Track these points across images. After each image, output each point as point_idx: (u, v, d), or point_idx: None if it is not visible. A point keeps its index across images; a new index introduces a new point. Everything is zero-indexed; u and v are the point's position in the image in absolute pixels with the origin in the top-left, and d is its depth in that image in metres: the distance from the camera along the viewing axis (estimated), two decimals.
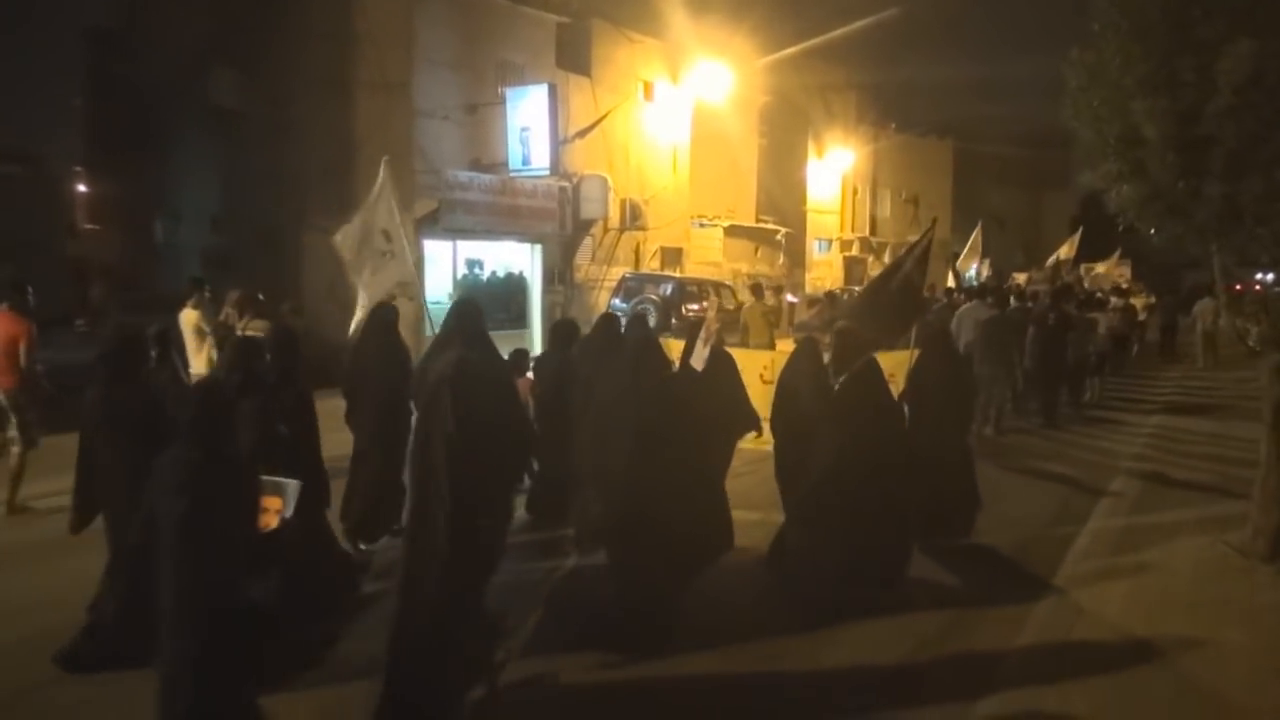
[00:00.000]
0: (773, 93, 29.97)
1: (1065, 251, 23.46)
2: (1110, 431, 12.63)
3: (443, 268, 18.59)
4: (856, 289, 32.15)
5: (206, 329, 9.39)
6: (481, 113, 18.84)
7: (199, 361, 9.29)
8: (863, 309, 7.48)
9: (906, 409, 7.32)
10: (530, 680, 4.85)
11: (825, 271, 36.62)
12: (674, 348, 7.64)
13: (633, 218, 22.83)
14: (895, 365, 7.66)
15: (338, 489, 6.33)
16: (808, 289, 33.36)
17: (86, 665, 4.79)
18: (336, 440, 6.74)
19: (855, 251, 39.37)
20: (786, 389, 6.87)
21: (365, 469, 6.88)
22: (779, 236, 31.91)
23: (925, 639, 5.59)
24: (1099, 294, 19.61)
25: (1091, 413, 13.85)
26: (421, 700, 4.10)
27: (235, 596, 3.55)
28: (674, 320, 17.77)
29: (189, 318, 9.50)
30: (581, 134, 21.48)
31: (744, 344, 12.83)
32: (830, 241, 37.39)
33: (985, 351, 11.47)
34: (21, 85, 79.22)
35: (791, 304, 24.91)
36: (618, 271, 22.16)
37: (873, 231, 40.79)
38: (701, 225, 27.04)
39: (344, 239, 8.02)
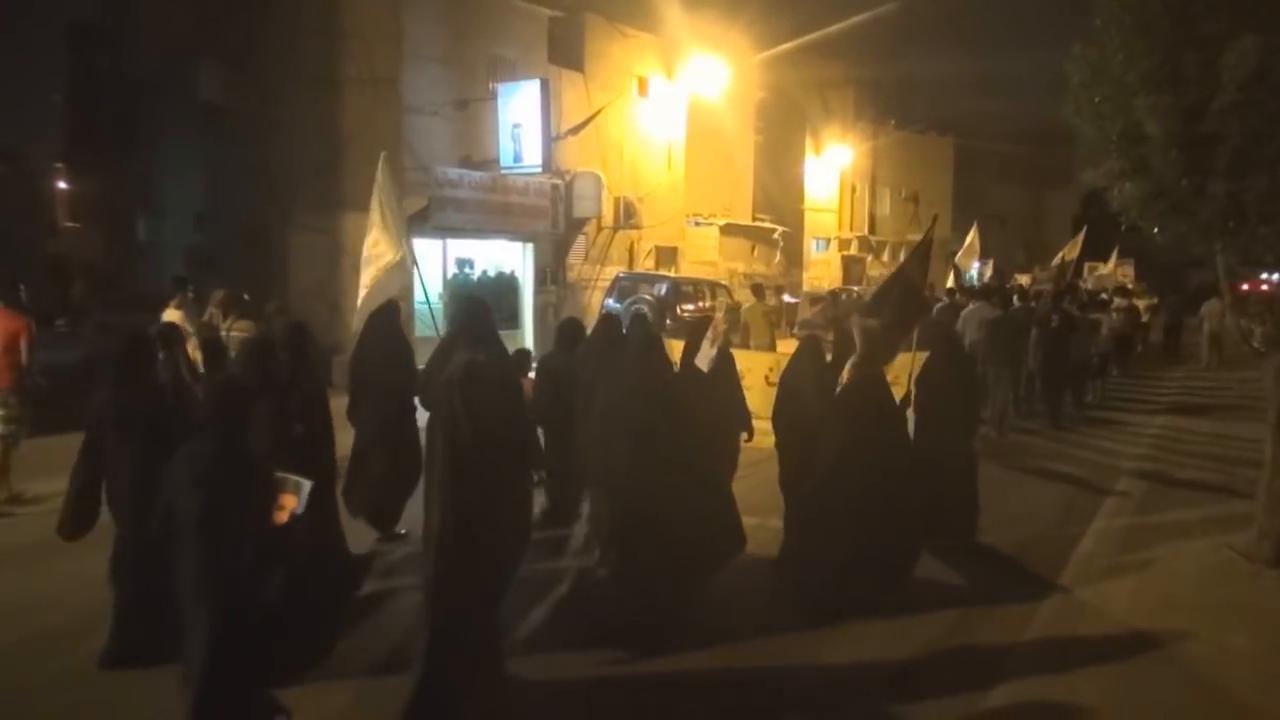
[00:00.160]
0: (769, 89, 30.01)
1: (1069, 253, 23.52)
2: (1114, 432, 12.72)
3: (432, 267, 18.55)
4: (856, 289, 32.27)
5: (190, 330, 9.34)
6: (472, 109, 18.82)
7: None
8: (874, 309, 7.50)
9: (911, 411, 7.33)
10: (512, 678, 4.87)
11: (823, 271, 36.67)
12: (673, 348, 7.68)
13: (627, 216, 22.83)
14: (899, 367, 7.71)
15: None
16: (805, 289, 33.41)
17: (118, 661, 4.91)
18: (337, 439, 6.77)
19: (854, 251, 39.44)
20: (789, 389, 6.93)
21: (366, 467, 6.95)
22: (776, 235, 31.94)
23: (932, 635, 5.69)
24: (1103, 294, 19.66)
25: (1095, 413, 13.93)
26: (452, 700, 4.18)
27: (250, 591, 3.64)
28: (669, 321, 17.77)
29: (171, 318, 9.47)
30: (574, 130, 21.47)
31: (744, 344, 12.87)
32: (828, 240, 37.44)
33: (990, 352, 11.56)
34: (1, 80, 79.03)
35: (790, 304, 24.94)
36: (611, 271, 22.15)
37: (871, 230, 40.85)
38: (697, 224, 27.05)
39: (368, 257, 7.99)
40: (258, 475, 3.72)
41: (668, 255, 25.28)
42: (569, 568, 6.52)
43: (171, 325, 6.85)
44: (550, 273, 21.24)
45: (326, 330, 15.12)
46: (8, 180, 29.23)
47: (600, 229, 22.66)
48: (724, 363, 6.95)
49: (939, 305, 13.18)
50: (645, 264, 24.05)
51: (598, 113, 22.15)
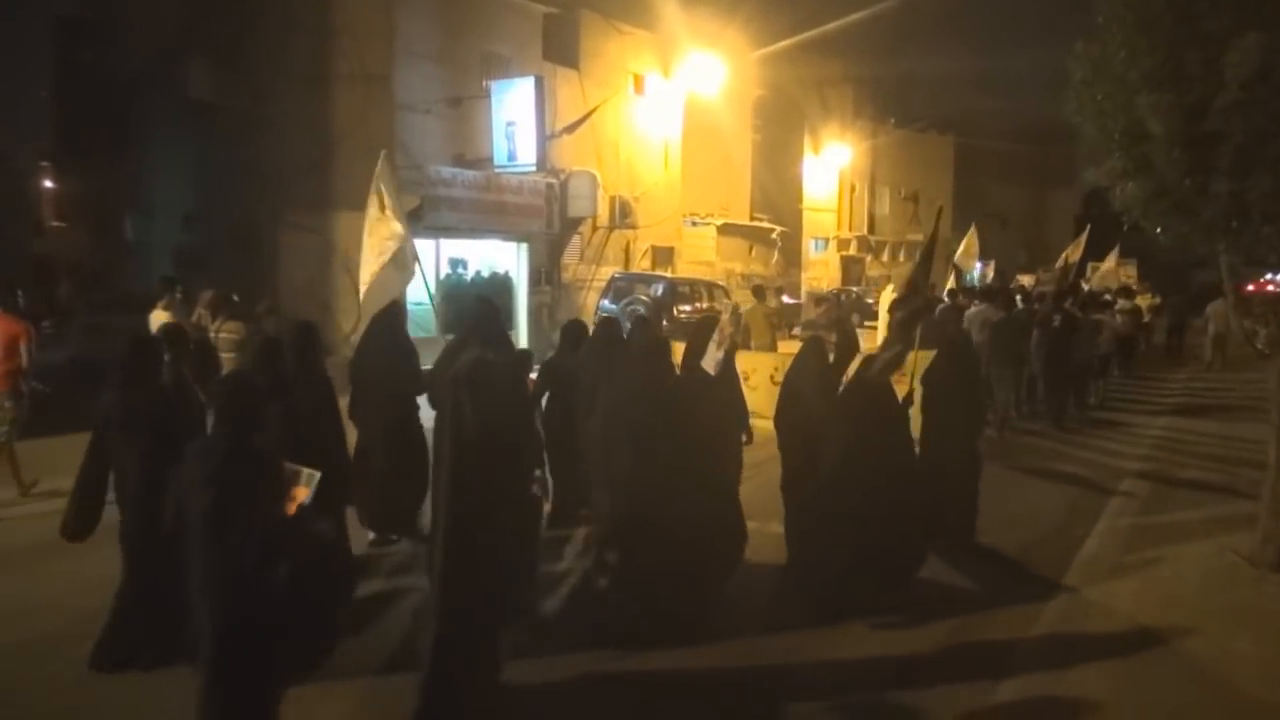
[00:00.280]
0: (767, 87, 30.05)
1: (1072, 253, 23.60)
2: (1117, 433, 12.79)
3: (425, 267, 18.50)
4: (855, 290, 32.32)
5: None
6: (465, 106, 18.81)
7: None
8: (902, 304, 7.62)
9: (916, 410, 7.39)
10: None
11: (822, 271, 36.71)
12: (674, 350, 7.73)
13: (622, 216, 22.83)
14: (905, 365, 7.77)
15: None
16: (807, 290, 33.44)
17: (110, 663, 4.96)
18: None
19: (853, 251, 39.48)
20: (792, 390, 6.98)
21: (367, 467, 6.98)
22: (774, 235, 31.98)
23: (937, 633, 5.79)
24: (1106, 295, 19.71)
25: (1097, 414, 14.00)
26: (461, 700, 4.24)
27: (258, 588, 3.70)
28: (665, 322, 17.78)
29: (159, 319, 9.44)
30: (569, 129, 21.48)
31: (745, 346, 12.91)
32: (827, 240, 37.48)
33: (993, 353, 11.63)
34: None
35: (790, 305, 24.99)
36: (607, 271, 22.16)
37: (871, 230, 40.91)
38: (694, 224, 27.07)
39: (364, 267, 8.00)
40: (268, 473, 3.80)
41: (664, 255, 25.30)
42: (571, 569, 6.56)
43: (177, 327, 6.99)
44: (545, 273, 21.24)
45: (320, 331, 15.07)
46: None
47: (595, 229, 22.67)
48: (727, 365, 6.99)
49: (941, 306, 13.24)
50: (641, 264, 24.06)
51: (593, 111, 22.15)
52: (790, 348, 11.61)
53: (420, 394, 7.00)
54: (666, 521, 5.55)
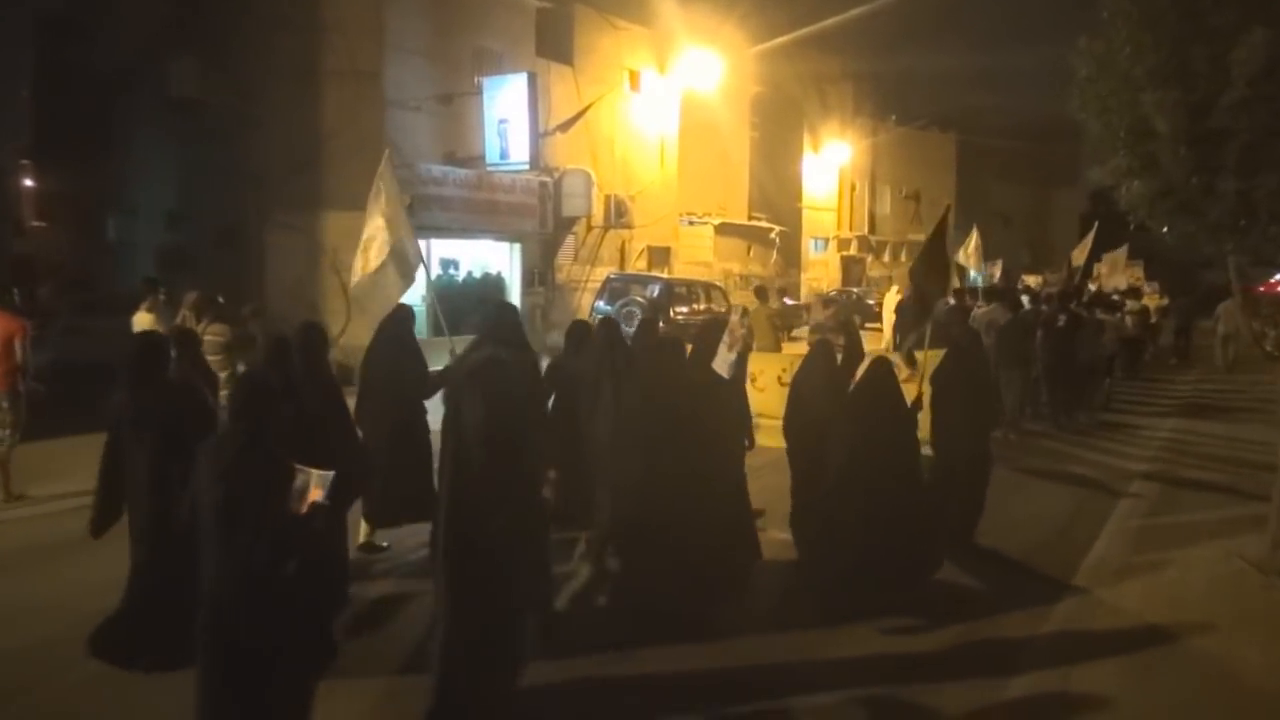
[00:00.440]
0: (765, 83, 30.10)
1: (1079, 254, 23.67)
2: (1124, 435, 12.91)
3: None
4: (856, 291, 32.38)
5: (162, 333, 9.29)
6: (457, 104, 18.82)
7: None
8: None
9: (926, 411, 7.45)
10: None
11: (822, 272, 36.77)
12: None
13: (617, 215, 22.85)
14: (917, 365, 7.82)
15: None
16: (814, 292, 33.49)
17: (110, 653, 5.06)
18: None
19: (853, 251, 39.56)
20: (800, 392, 7.10)
21: (374, 468, 7.01)
22: (773, 235, 32.02)
23: (948, 631, 5.91)
24: (1114, 296, 19.77)
25: (1104, 416, 14.11)
26: (472, 702, 4.30)
27: (275, 583, 3.80)
28: (661, 324, 17.79)
29: (143, 321, 9.43)
30: (563, 126, 21.50)
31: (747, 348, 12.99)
32: (827, 240, 37.55)
33: (999, 354, 11.71)
34: None
35: (790, 307, 25.00)
36: (602, 272, 22.16)
37: (871, 230, 40.99)
38: (691, 223, 27.10)
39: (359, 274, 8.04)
40: (281, 472, 3.89)
41: (660, 256, 25.33)
42: (575, 571, 6.62)
43: (188, 330, 7.24)
44: (538, 274, 21.25)
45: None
46: None
47: (590, 228, 22.68)
48: (738, 367, 7.06)
49: (947, 307, 13.29)
50: (637, 265, 24.09)
51: (587, 108, 22.18)
52: (794, 350, 11.71)
53: (427, 397, 7.09)
54: (677, 525, 5.64)
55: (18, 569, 6.85)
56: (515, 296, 20.72)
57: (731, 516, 6.22)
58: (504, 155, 18.95)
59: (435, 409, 6.82)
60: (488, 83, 19.02)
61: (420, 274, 8.09)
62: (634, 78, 24.19)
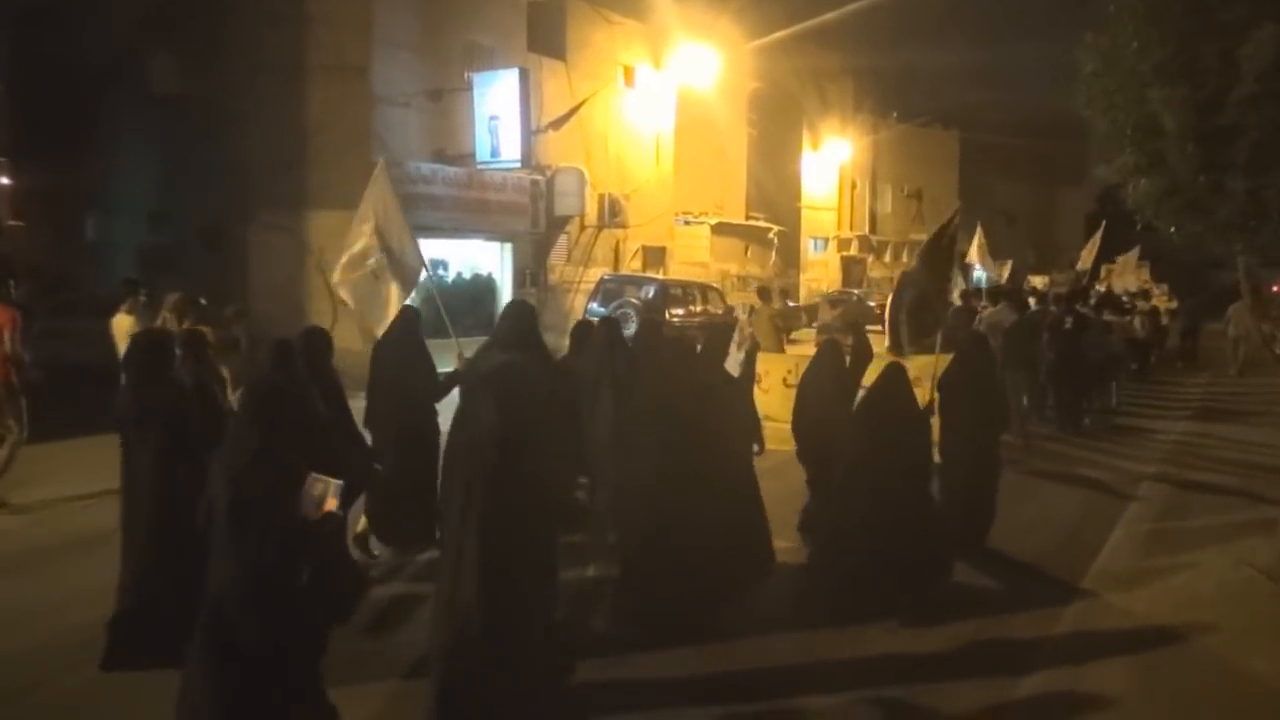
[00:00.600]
0: (763, 79, 30.14)
1: (1088, 256, 23.77)
2: (1133, 438, 13.05)
3: None
4: (857, 292, 32.43)
5: None
6: (446, 100, 18.83)
7: None
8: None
9: (935, 415, 7.59)
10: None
11: (821, 273, 36.82)
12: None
13: (612, 214, 22.87)
14: (921, 369, 7.87)
15: None
16: (803, 292, 33.54)
17: (117, 662, 5.16)
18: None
19: (854, 251, 39.62)
20: (808, 394, 7.26)
21: (386, 472, 7.07)
22: (771, 235, 32.06)
23: (959, 631, 6.05)
24: (1124, 298, 19.87)
25: (1113, 419, 14.26)
26: (477, 705, 4.36)
27: (288, 585, 3.90)
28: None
29: (122, 323, 9.40)
30: (556, 123, 21.51)
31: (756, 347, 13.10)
32: (826, 240, 37.60)
33: (1005, 356, 11.79)
34: None
35: (791, 309, 25.07)
36: (595, 273, 22.18)
37: (872, 229, 41.06)
38: (686, 222, 27.12)
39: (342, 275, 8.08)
40: (294, 478, 3.98)
41: (655, 256, 25.34)
42: (581, 573, 6.75)
43: (198, 331, 7.26)
44: (530, 275, 21.25)
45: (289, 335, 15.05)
46: None
47: (583, 228, 22.69)
48: (747, 366, 7.35)
49: (952, 309, 13.38)
50: (631, 265, 24.10)
51: (581, 104, 22.20)
52: (796, 352, 11.81)
53: (438, 400, 7.20)
54: (686, 528, 5.74)
55: (23, 570, 7.00)
56: (506, 298, 20.71)
57: (742, 519, 6.32)
58: (495, 153, 18.96)
59: (440, 411, 7.14)
60: (478, 78, 19.03)
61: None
62: (628, 73, 24.22)
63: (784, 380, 10.35)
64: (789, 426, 7.70)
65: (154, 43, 18.08)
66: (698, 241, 27.82)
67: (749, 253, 31.24)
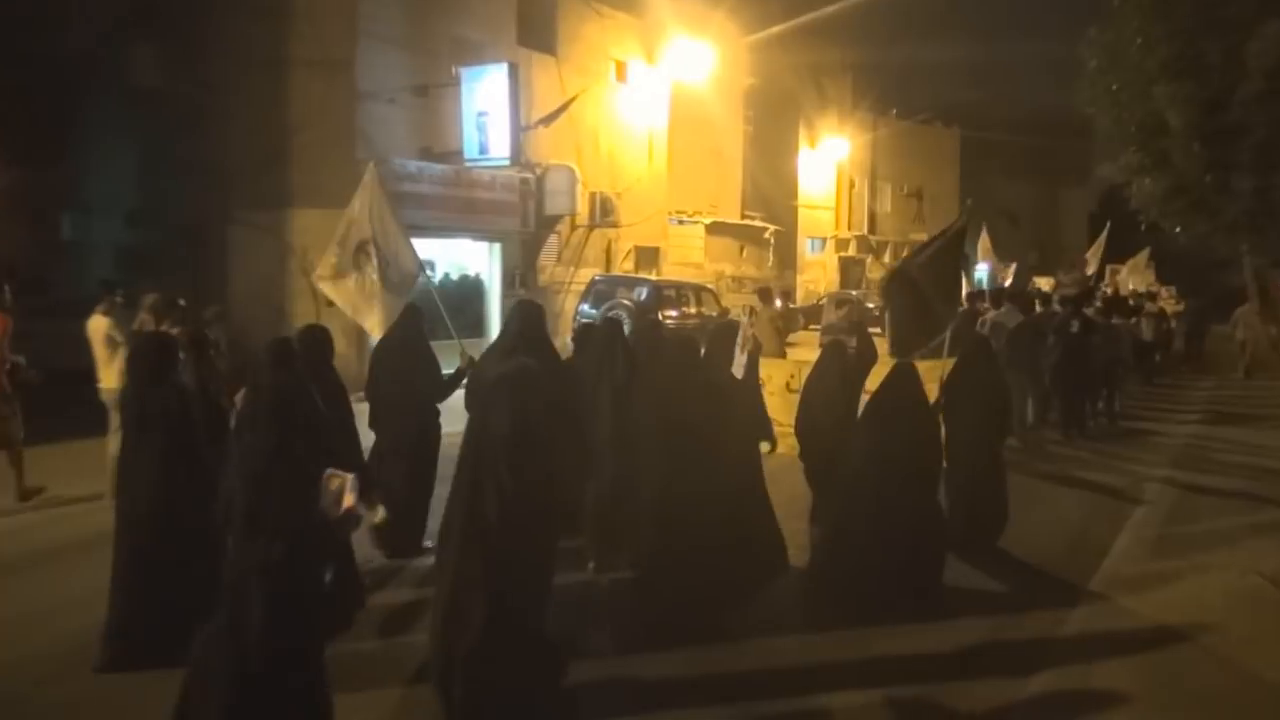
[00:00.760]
0: (759, 75, 30.17)
1: (1093, 258, 23.86)
2: (1140, 441, 13.27)
3: None
4: (855, 294, 32.46)
5: (119, 338, 9.23)
6: (433, 95, 18.80)
7: (110, 375, 9.15)
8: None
9: (940, 418, 7.74)
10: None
11: (819, 273, 36.86)
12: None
13: (603, 213, 22.87)
14: (927, 371, 7.98)
15: None
16: (800, 293, 33.56)
17: (115, 663, 5.31)
18: None
19: (852, 251, 39.66)
20: (813, 395, 7.39)
21: (389, 474, 7.17)
22: (767, 235, 32.08)
23: (968, 633, 6.21)
24: (1131, 300, 19.98)
25: (1117, 422, 14.43)
26: (483, 705, 4.47)
27: (303, 585, 3.98)
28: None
29: (98, 325, 9.34)
30: (546, 120, 21.50)
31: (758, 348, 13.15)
32: (824, 240, 37.64)
33: (1013, 359, 11.88)
34: None
35: (791, 310, 25.11)
36: (587, 273, 22.17)
37: (871, 229, 41.11)
38: (680, 222, 27.12)
39: (326, 274, 8.12)
40: (309, 477, 4.09)
41: (648, 256, 25.34)
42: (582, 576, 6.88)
43: (200, 333, 7.45)
44: (519, 275, 21.21)
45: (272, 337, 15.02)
46: None
47: (574, 227, 22.68)
48: (750, 369, 7.42)
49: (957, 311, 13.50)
50: (624, 266, 24.08)
51: (571, 100, 22.19)
52: (797, 355, 12.00)
53: (441, 400, 7.32)
54: (697, 530, 5.88)
55: (27, 572, 7.20)
56: (494, 300, 20.70)
57: (751, 521, 6.47)
58: (483, 150, 18.92)
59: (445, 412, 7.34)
60: (466, 73, 18.99)
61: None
62: (621, 69, 24.21)
63: (787, 385, 10.47)
64: (792, 430, 7.81)
65: (133, 36, 18.04)
66: (692, 241, 27.83)
67: (744, 253, 31.26)
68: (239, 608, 3.95)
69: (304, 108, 16.66)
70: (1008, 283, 23.85)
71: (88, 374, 9.20)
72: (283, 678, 3.99)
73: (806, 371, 8.40)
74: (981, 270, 29.74)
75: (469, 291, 20.41)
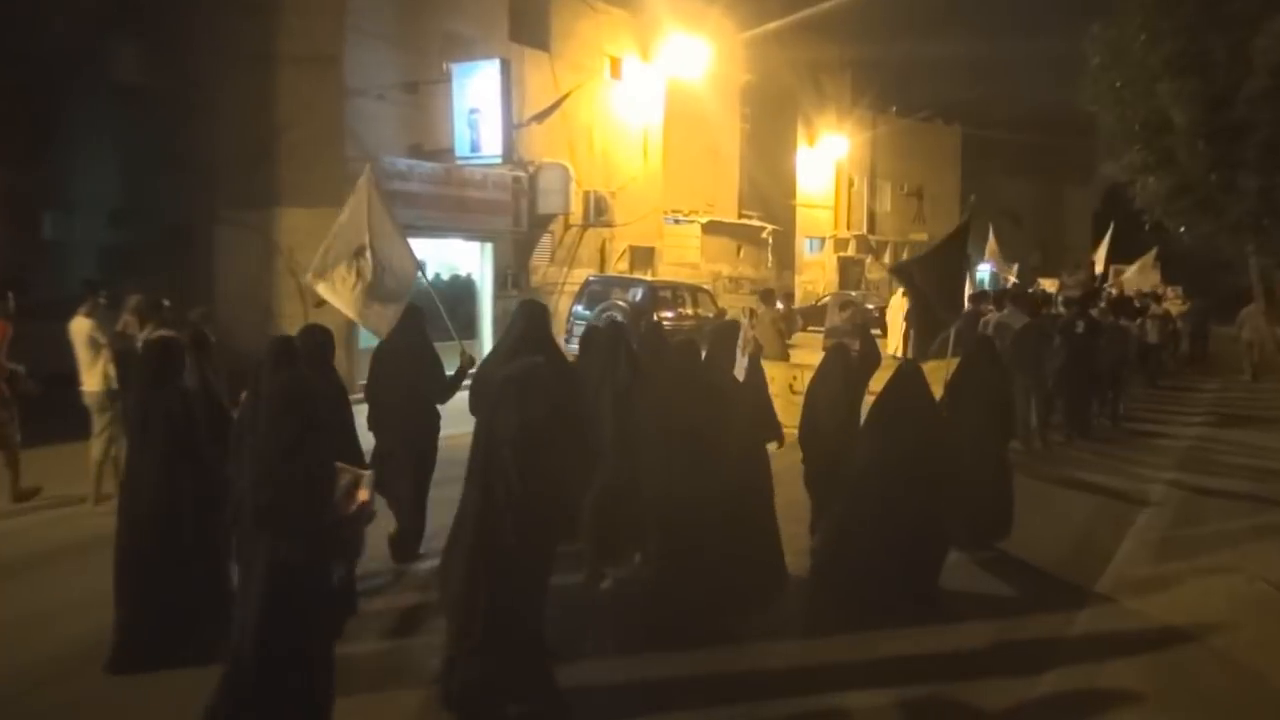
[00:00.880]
0: (757, 71, 30.20)
1: (1100, 259, 23.92)
2: (1145, 444, 13.43)
3: None
4: (854, 294, 32.50)
5: (102, 340, 9.22)
6: (423, 92, 18.79)
7: (93, 378, 9.14)
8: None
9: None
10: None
11: (817, 274, 36.87)
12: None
13: (598, 212, 22.87)
14: (931, 373, 8.05)
15: None
16: (798, 294, 33.59)
17: (125, 665, 5.40)
18: None
19: (851, 252, 39.68)
20: (816, 398, 7.51)
21: (392, 477, 7.21)
22: (765, 234, 32.09)
23: (975, 634, 6.33)
24: (1136, 301, 20.05)
25: (1122, 424, 14.58)
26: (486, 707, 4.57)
27: (317, 584, 4.09)
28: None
29: (81, 327, 9.32)
30: (539, 117, 21.50)
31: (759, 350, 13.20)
32: (823, 240, 37.66)
33: (1018, 361, 11.94)
34: None
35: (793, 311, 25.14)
36: (580, 274, 22.17)
37: (871, 229, 41.14)
38: (676, 221, 27.14)
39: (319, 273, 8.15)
40: (321, 473, 4.16)
41: (643, 256, 25.34)
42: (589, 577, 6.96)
43: (203, 334, 7.56)
44: (512, 276, 21.21)
45: (258, 340, 15.00)
46: None
47: (568, 227, 22.68)
48: (753, 371, 7.48)
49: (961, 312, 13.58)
50: (618, 266, 24.10)
51: (565, 97, 22.19)
52: (801, 358, 12.12)
53: (443, 402, 7.40)
54: (703, 534, 5.98)
55: (30, 573, 7.31)
56: (486, 301, 20.69)
57: (754, 525, 6.54)
58: (475, 148, 18.91)
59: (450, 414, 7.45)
60: (457, 69, 18.99)
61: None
62: (615, 65, 24.22)
63: (790, 387, 10.54)
64: (795, 434, 7.89)
65: (117, 31, 18.00)
66: (688, 241, 27.85)
67: (741, 253, 31.27)
68: (248, 607, 4.07)
69: (292, 105, 16.64)
70: (1011, 283, 23.90)
71: (70, 377, 9.20)
72: (283, 677, 4.06)
73: (809, 374, 8.50)
74: (983, 271, 29.82)
75: (460, 292, 20.38)
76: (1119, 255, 26.77)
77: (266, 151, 16.50)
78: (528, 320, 6.76)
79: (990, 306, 14.10)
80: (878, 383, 7.73)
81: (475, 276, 20.83)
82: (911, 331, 15.94)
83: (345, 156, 16.56)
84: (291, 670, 4.08)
